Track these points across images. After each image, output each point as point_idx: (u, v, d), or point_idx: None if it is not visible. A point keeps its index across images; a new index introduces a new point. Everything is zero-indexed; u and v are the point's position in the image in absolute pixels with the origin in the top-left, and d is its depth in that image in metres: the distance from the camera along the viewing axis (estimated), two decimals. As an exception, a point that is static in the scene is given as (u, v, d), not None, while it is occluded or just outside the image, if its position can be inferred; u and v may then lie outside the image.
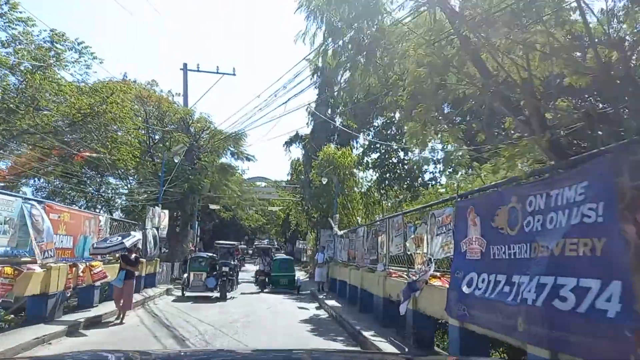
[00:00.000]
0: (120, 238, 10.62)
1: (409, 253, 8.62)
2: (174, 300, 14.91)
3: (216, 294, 15.33)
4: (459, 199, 6.37)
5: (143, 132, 25.47)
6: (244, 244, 62.69)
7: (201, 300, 14.64)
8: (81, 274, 10.09)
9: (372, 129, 22.42)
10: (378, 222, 11.59)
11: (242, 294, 17.47)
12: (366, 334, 8.65)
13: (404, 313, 7.57)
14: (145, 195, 25.77)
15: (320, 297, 15.68)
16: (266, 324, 10.62)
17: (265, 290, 18.71)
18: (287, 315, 12.19)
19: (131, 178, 27.60)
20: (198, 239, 40.99)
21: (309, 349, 4.34)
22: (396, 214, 9.58)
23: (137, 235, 11.46)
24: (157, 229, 17.88)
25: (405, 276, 9.16)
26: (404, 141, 22.55)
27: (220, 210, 41.59)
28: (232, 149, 27.00)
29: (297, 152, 37.63)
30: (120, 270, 9.83)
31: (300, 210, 37.78)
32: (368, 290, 11.47)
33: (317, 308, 14.23)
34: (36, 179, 25.25)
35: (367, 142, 20.43)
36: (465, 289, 5.40)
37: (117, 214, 25.66)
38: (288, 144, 36.69)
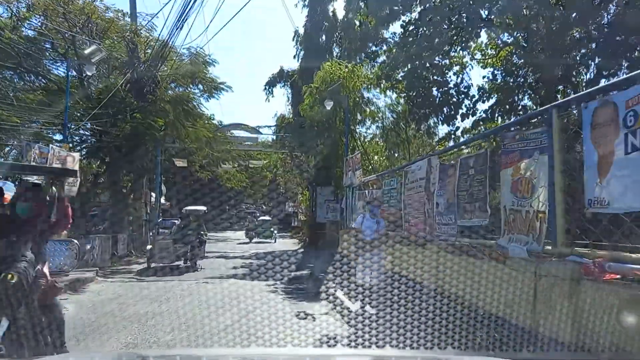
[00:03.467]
0: None
1: None
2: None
3: None
4: None
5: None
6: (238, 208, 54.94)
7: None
8: None
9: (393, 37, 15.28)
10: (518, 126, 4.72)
11: (205, 280, 10.85)
12: None
13: None
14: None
15: (335, 296, 8.82)
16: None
17: (253, 241, 25.51)
18: None
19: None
20: (165, 202, 33.97)
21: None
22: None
23: None
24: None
25: None
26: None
27: (196, 170, 34.54)
28: (194, 80, 19.51)
29: (281, 96, 30.84)
30: None
31: (290, 166, 31.12)
32: (469, 300, 4.74)
33: (328, 312, 7.57)
34: None
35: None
36: None
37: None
38: (270, 84, 29.55)
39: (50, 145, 10.67)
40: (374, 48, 26.04)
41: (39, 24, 17.95)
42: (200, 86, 20.44)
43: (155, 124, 17.76)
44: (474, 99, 14.11)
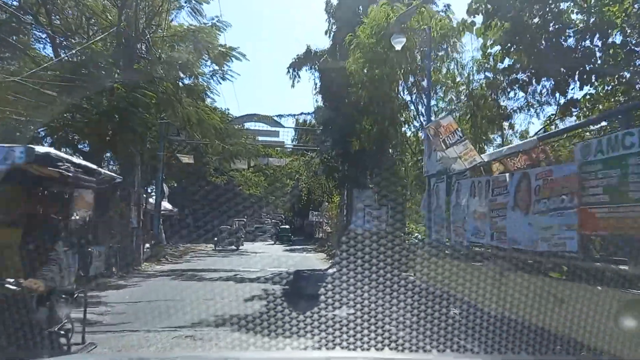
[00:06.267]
0: None
1: None
2: None
3: None
4: None
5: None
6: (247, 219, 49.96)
7: None
8: None
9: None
10: None
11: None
12: None
13: None
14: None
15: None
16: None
17: (276, 243, 34.22)
18: None
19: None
20: (173, 208, 29.49)
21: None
22: None
23: None
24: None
25: None
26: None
27: (209, 173, 30.02)
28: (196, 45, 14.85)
29: (306, 83, 26.52)
30: None
31: (316, 167, 26.61)
32: None
33: None
34: None
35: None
36: None
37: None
38: (295, 66, 24.93)
39: None
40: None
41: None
42: (206, 58, 15.86)
43: (145, 98, 13.24)
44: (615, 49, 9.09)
